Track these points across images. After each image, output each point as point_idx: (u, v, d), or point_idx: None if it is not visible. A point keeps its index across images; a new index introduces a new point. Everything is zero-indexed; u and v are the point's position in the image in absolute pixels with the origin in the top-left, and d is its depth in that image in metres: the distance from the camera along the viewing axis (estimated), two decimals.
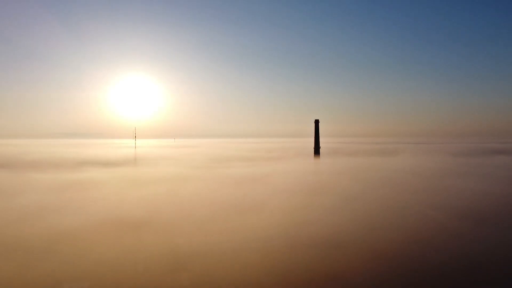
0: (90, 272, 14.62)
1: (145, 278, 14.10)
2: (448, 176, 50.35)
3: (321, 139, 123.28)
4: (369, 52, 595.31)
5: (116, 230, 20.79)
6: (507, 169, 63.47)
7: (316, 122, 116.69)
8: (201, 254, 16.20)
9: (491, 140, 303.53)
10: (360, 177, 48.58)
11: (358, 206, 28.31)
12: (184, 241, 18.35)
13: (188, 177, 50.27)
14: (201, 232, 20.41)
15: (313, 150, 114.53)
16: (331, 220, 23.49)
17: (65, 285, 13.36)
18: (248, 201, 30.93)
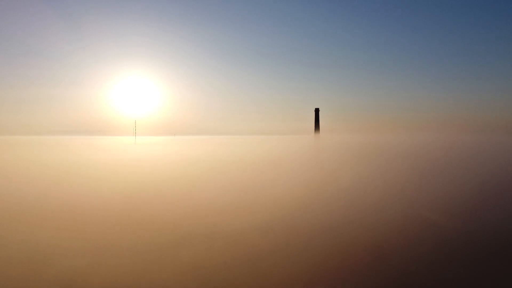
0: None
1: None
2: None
3: (321, 135, 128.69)
4: (371, 50, 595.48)
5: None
6: None
7: (316, 110, 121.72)
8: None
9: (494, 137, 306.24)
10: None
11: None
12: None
13: (207, 153, 54.76)
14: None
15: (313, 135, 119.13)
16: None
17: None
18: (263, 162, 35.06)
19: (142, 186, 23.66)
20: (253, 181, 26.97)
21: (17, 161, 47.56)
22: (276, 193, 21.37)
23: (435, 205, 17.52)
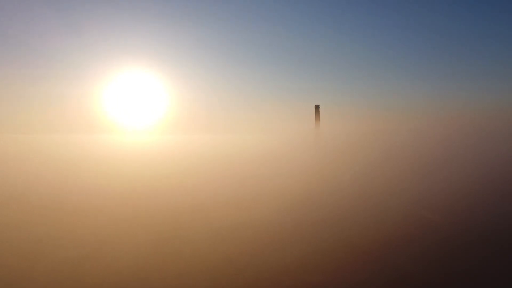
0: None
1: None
2: None
3: (322, 130, 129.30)
4: (370, 51, 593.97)
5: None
6: None
7: (317, 107, 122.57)
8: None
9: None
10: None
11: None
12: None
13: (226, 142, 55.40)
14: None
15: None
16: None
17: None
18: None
19: (141, 184, 23.83)
20: (257, 175, 27.21)
21: (17, 160, 47.83)
22: (279, 185, 21.62)
23: (431, 199, 17.60)
